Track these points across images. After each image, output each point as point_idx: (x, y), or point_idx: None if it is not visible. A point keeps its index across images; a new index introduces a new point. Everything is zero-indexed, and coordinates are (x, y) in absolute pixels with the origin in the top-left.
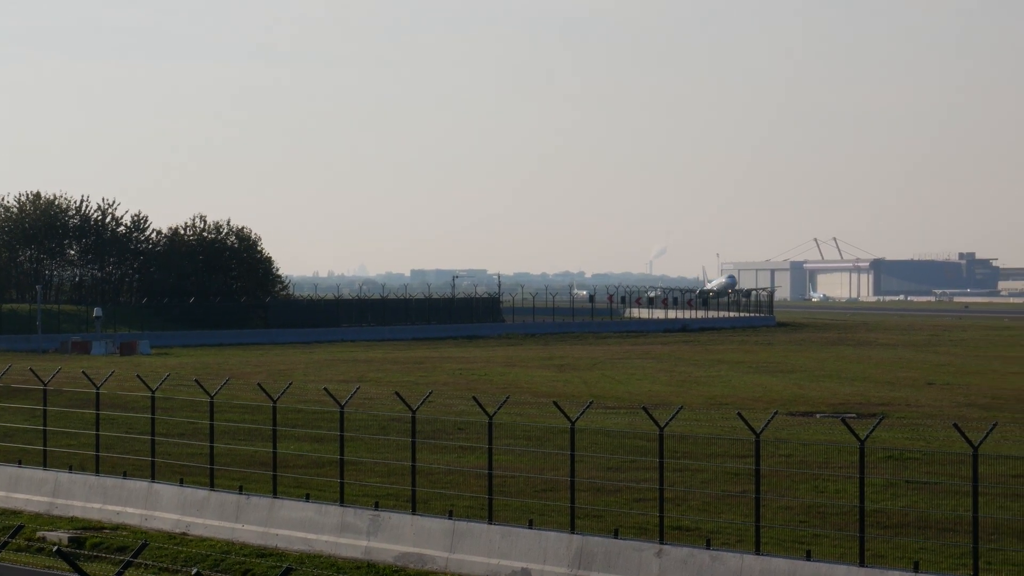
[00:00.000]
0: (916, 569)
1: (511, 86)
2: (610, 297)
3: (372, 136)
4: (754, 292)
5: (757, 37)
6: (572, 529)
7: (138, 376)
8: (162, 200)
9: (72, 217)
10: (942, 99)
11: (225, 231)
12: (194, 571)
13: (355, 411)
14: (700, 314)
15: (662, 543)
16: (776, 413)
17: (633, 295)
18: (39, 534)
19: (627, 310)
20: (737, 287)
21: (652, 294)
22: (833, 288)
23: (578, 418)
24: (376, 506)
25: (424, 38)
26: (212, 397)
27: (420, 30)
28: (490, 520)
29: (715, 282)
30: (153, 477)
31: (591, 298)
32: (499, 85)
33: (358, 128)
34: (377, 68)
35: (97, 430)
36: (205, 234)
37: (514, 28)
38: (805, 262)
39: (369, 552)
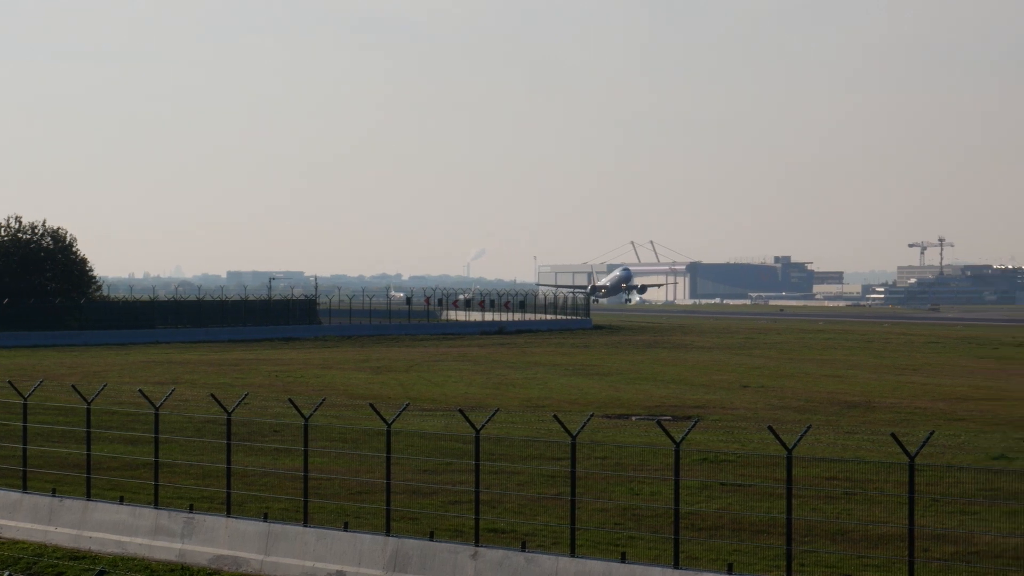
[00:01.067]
0: (730, 570)
1: (327, 85)
2: (427, 299)
3: (187, 137)
4: (650, 287)
5: (574, 41)
6: (388, 531)
7: None
8: None
9: None
10: (757, 105)
11: (40, 232)
12: (6, 574)
13: (170, 413)
14: (517, 316)
15: (478, 545)
16: (592, 415)
17: (450, 297)
18: None
19: (444, 312)
20: (632, 282)
21: (465, 296)
22: (650, 291)
23: (394, 420)
24: (191, 508)
25: (236, 37)
26: (26, 399)
27: (233, 29)
28: (305, 522)
29: (608, 276)
30: None
31: (408, 300)
32: (314, 84)
33: (173, 129)
34: (190, 69)
35: None
36: (20, 235)
37: (328, 26)
38: (622, 265)
39: (183, 555)
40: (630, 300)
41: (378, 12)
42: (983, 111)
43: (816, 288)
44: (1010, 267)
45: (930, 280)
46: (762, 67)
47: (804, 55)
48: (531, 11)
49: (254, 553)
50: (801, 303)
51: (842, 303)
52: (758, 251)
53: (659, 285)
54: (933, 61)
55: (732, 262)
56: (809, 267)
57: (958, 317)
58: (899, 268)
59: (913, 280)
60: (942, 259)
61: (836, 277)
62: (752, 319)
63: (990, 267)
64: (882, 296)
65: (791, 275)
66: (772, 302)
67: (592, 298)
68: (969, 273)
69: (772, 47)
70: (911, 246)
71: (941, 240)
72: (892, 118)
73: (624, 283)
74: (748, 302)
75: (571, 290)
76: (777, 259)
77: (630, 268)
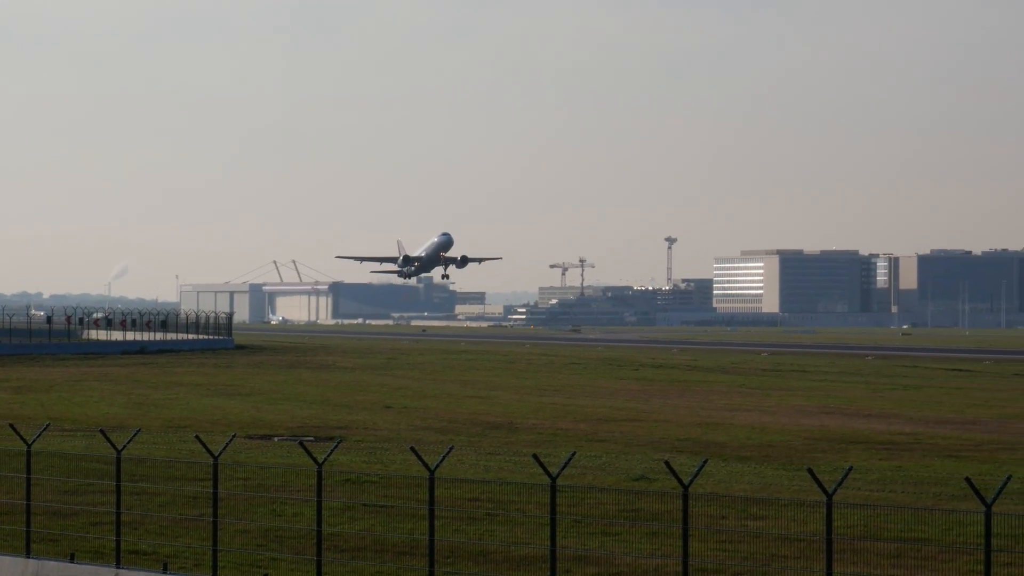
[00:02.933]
0: None
1: None
2: (68, 318)
3: None
4: (428, 261)
5: (207, 57)
6: (28, 553)
7: None
8: None
9: None
10: (393, 121)
11: None
12: None
13: None
14: (159, 336)
15: (119, 567)
16: (234, 436)
17: (92, 316)
18: None
19: (85, 332)
20: (451, 252)
21: (104, 314)
22: (292, 311)
23: (34, 441)
24: None
25: None
26: None
27: None
28: None
29: (425, 245)
30: None
31: (49, 319)
32: None
33: None
34: None
35: None
36: None
37: None
38: (264, 284)
39: None
40: (447, 276)
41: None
42: (622, 132)
43: (459, 308)
44: (650, 288)
45: (571, 301)
46: (398, 84)
47: (444, 68)
48: (177, 22)
49: None
50: (444, 323)
51: (484, 323)
52: None
53: (480, 260)
54: (574, 81)
55: (375, 282)
56: (452, 287)
57: (599, 338)
58: (541, 289)
59: (555, 301)
60: (583, 280)
61: (478, 297)
62: (395, 339)
63: (630, 288)
64: (524, 317)
65: (433, 295)
66: (415, 322)
67: (403, 274)
68: (610, 294)
69: (417, 67)
70: (552, 267)
71: (582, 261)
72: (532, 139)
73: (443, 251)
74: (391, 322)
75: (379, 263)
76: (420, 279)
77: (450, 234)
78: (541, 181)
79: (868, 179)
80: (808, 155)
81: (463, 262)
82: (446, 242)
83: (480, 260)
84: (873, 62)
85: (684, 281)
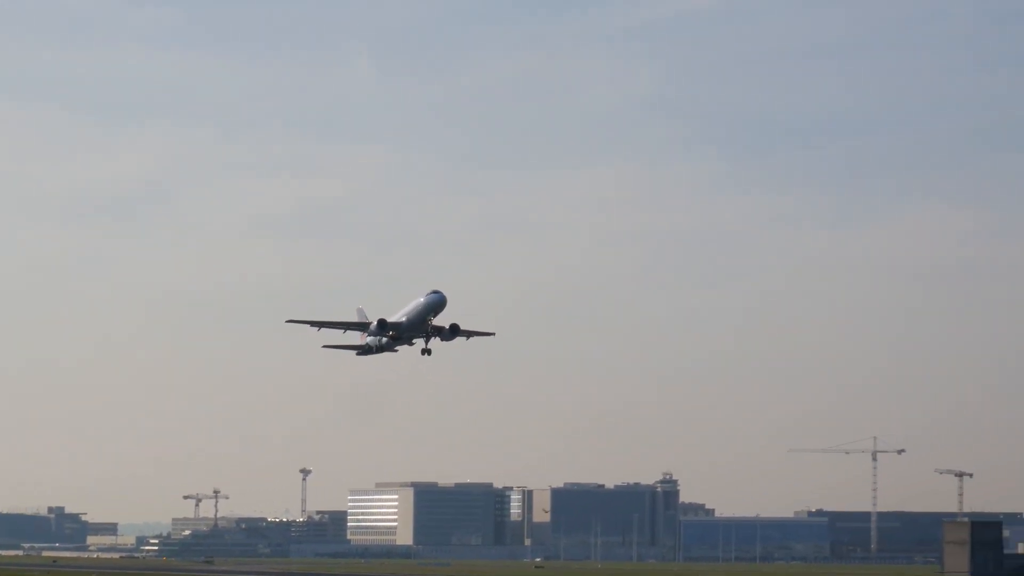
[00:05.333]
0: None
1: None
2: None
3: None
4: (474, 333)
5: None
6: None
7: None
8: None
9: None
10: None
11: None
12: None
13: None
14: None
15: None
16: None
17: None
18: None
19: None
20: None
21: None
22: None
23: None
24: None
25: None
26: None
27: None
28: None
29: (408, 308)
30: None
31: None
32: None
33: None
34: None
35: None
36: None
37: None
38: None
39: None
40: (429, 351)
41: None
42: (255, 357)
43: (91, 539)
44: (284, 520)
45: (205, 532)
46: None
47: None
48: None
49: None
50: (76, 554)
51: (117, 555)
52: (32, 501)
53: (468, 335)
54: (205, 308)
55: (5, 512)
56: (84, 518)
57: (232, 570)
58: (174, 520)
59: (188, 532)
60: (217, 511)
61: (111, 528)
62: (24, 570)
63: (265, 520)
64: (157, 548)
65: (65, 526)
66: (46, 553)
67: (371, 347)
68: (244, 526)
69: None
70: (186, 497)
71: (216, 492)
72: (168, 364)
73: (433, 314)
74: (21, 553)
75: (342, 330)
76: (51, 510)
77: (442, 292)
78: (178, 405)
79: (502, 413)
80: (443, 388)
81: (452, 333)
82: (437, 301)
83: (469, 334)
84: (505, 297)
85: (319, 513)
